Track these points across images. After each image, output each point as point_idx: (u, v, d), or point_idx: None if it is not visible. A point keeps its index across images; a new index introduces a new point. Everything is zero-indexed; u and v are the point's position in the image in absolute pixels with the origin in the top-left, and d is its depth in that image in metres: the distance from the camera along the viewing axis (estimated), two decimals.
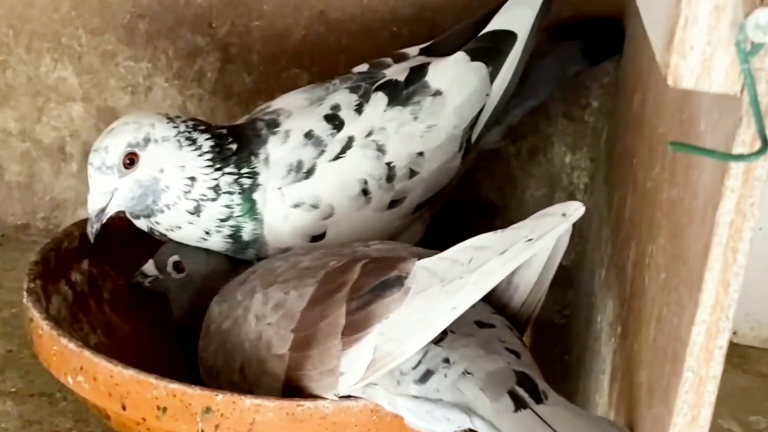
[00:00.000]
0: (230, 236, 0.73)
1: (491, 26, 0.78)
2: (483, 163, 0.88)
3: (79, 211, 0.97)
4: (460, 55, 0.77)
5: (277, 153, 0.73)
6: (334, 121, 0.74)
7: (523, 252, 0.59)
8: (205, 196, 0.71)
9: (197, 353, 0.72)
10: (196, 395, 0.61)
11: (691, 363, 0.42)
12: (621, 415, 0.58)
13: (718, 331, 0.41)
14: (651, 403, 0.48)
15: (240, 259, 0.75)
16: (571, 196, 0.93)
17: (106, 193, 0.70)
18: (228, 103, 0.94)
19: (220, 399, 0.61)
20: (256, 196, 0.72)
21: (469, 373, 0.58)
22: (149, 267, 0.76)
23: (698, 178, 0.45)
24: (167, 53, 0.93)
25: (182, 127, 0.71)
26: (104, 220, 0.71)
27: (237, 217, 0.72)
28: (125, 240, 0.80)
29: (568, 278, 0.93)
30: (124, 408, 0.63)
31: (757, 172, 0.39)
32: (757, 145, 0.38)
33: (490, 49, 0.77)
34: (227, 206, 0.72)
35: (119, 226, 0.81)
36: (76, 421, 0.75)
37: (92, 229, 0.71)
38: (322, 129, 0.74)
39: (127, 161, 0.70)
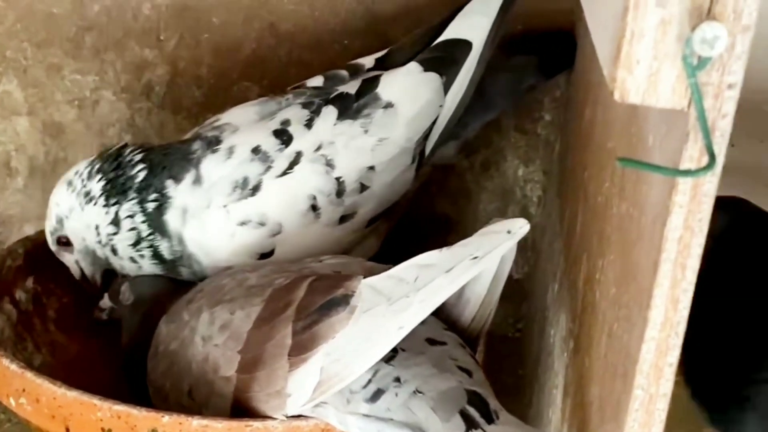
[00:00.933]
0: (153, 257, 0.74)
1: (445, 35, 0.77)
2: (437, 177, 0.87)
3: (25, 227, 0.96)
4: (413, 66, 0.76)
5: (219, 171, 0.72)
6: (283, 136, 0.73)
7: (469, 270, 0.58)
8: (110, 233, 0.74)
9: (146, 376, 0.71)
10: (141, 417, 0.60)
11: (641, 380, 0.42)
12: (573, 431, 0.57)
13: (668, 348, 0.41)
14: (602, 420, 0.48)
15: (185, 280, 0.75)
16: (525, 210, 0.92)
17: (75, 267, 0.77)
18: (177, 117, 0.92)
19: (167, 420, 0.60)
20: (166, 217, 0.72)
21: (420, 393, 0.57)
22: (105, 300, 0.76)
23: (647, 193, 0.44)
24: (115, 66, 0.91)
25: (78, 186, 0.74)
26: (96, 281, 0.77)
27: (147, 237, 0.73)
28: None
29: (522, 292, 0.93)
30: (68, 430, 0.62)
31: (705, 188, 0.39)
32: (705, 160, 0.38)
33: (444, 59, 0.76)
34: (132, 229, 0.73)
35: None
36: None
37: (90, 289, 0.78)
38: (270, 144, 0.73)
39: (62, 241, 0.75)
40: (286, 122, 0.74)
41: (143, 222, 0.73)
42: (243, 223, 0.72)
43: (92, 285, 0.77)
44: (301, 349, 0.60)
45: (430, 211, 0.93)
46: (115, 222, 0.73)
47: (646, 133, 0.45)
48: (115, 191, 0.73)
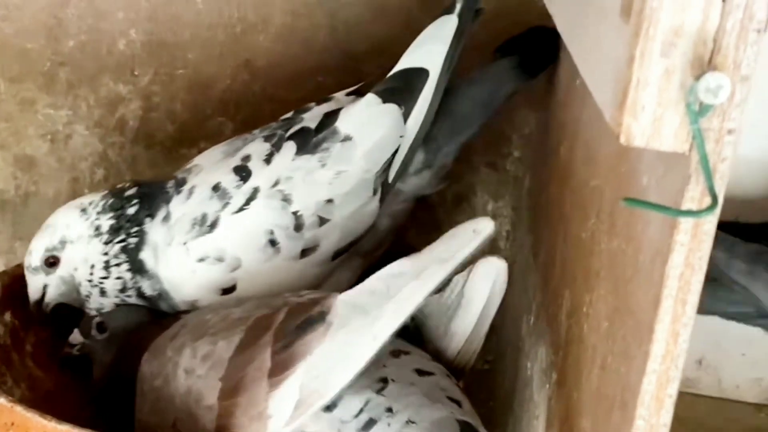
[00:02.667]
0: (138, 297, 0.76)
1: (402, 64, 0.77)
2: (407, 215, 0.89)
3: None
4: (371, 98, 0.76)
5: (180, 209, 0.74)
6: (242, 172, 0.75)
7: (438, 272, 0.60)
8: (102, 277, 0.75)
9: (119, 411, 0.71)
10: None
11: (642, 411, 0.43)
12: None
13: (668, 380, 0.43)
14: None
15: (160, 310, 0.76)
16: (494, 243, 0.94)
17: (39, 289, 0.77)
18: (150, 151, 0.93)
19: None
20: (142, 255, 0.75)
21: (413, 422, 0.58)
22: (75, 336, 0.77)
23: (643, 230, 0.46)
24: (88, 101, 0.92)
25: (92, 216, 0.75)
26: (47, 310, 0.77)
27: (131, 281, 0.75)
28: None
29: (491, 324, 0.94)
30: None
31: (705, 227, 0.41)
32: (707, 201, 0.40)
33: (402, 89, 0.76)
34: (119, 278, 0.75)
35: None
36: None
37: (36, 314, 0.78)
38: (229, 181, 0.75)
39: (50, 261, 0.76)
40: (246, 158, 0.76)
41: (128, 270, 0.75)
42: (202, 260, 0.74)
43: (41, 312, 0.77)
44: (280, 368, 0.61)
45: (402, 244, 0.95)
46: (106, 267, 0.75)
47: (640, 174, 0.47)
48: (114, 229, 0.75)
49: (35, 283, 0.76)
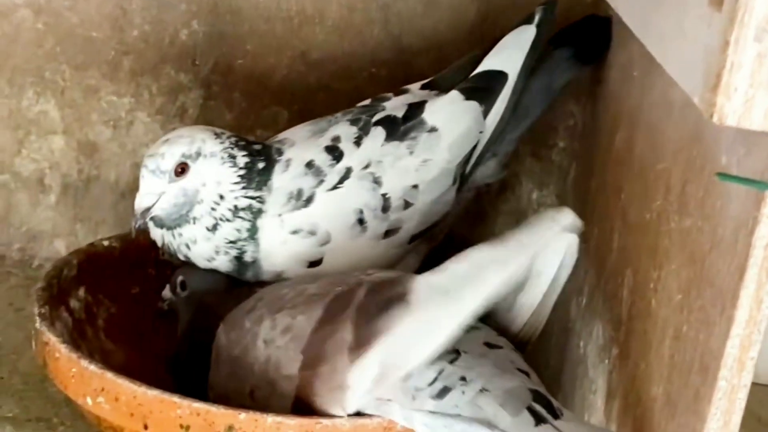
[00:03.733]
0: (235, 258, 0.77)
1: (484, 66, 0.82)
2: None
3: (56, 243, 0.99)
4: (455, 94, 0.81)
5: (279, 181, 0.77)
6: (334, 152, 0.78)
7: (520, 259, 0.63)
8: (224, 216, 0.76)
9: (194, 371, 0.75)
10: (219, 414, 0.64)
11: (724, 373, 0.47)
12: (626, 429, 0.62)
13: (751, 343, 0.46)
14: (673, 414, 0.53)
15: (237, 279, 0.79)
16: None
17: (154, 194, 0.75)
18: None
19: (243, 417, 0.64)
20: (259, 222, 0.77)
21: (486, 390, 0.61)
22: (166, 291, 0.79)
23: (722, 207, 0.50)
24: (150, 89, 0.96)
25: (227, 143, 0.76)
26: (147, 219, 0.76)
27: (242, 240, 0.77)
28: (117, 271, 0.83)
29: None
30: (146, 427, 0.65)
31: None
32: None
33: (483, 89, 0.81)
34: (237, 230, 0.76)
35: (111, 257, 0.84)
36: None
37: (135, 225, 0.76)
38: (323, 159, 0.78)
39: (179, 169, 0.75)
40: (336, 139, 0.79)
41: (247, 229, 0.76)
42: (295, 232, 0.77)
43: (142, 225, 0.76)
44: (361, 343, 0.64)
45: (448, 233, 0.98)
46: (234, 210, 0.76)
47: (718, 155, 0.51)
48: (248, 177, 0.76)
49: (152, 187, 0.75)
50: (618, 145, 0.75)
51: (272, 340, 0.69)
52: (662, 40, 0.54)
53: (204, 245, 0.77)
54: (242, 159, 0.76)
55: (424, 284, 0.64)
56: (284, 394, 0.67)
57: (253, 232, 0.77)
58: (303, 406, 0.66)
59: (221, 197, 0.76)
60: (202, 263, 0.78)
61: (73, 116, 0.96)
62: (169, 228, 0.77)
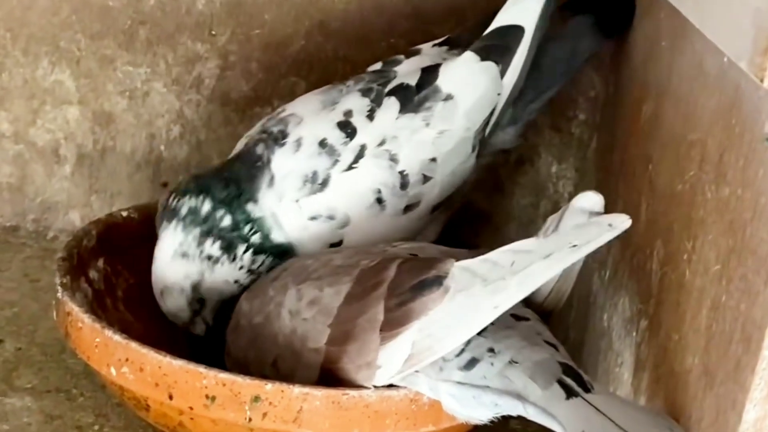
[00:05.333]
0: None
1: (498, 22, 0.79)
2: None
3: (71, 214, 0.99)
4: (470, 55, 0.78)
5: (287, 165, 0.75)
6: (347, 128, 0.76)
7: (567, 257, 0.61)
8: (250, 279, 0.76)
9: (213, 344, 0.74)
10: (245, 384, 0.64)
11: None
12: (657, 401, 0.62)
13: None
14: (711, 385, 0.52)
15: None
16: (556, 204, 0.97)
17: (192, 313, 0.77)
18: (225, 109, 0.96)
19: (270, 388, 0.63)
20: (273, 236, 0.75)
21: (515, 362, 0.61)
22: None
23: (764, 175, 0.49)
24: (166, 59, 0.95)
25: (196, 254, 0.74)
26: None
27: (273, 263, 0.76)
28: (136, 242, 0.82)
29: None
30: (171, 397, 0.65)
31: None
32: None
33: (499, 47, 0.78)
34: (262, 265, 0.76)
35: (130, 227, 0.83)
36: (96, 416, 0.76)
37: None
38: (336, 137, 0.76)
39: (197, 307, 0.76)
40: (348, 113, 0.77)
41: (269, 257, 0.75)
42: (314, 218, 0.75)
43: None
44: (393, 324, 0.64)
45: (465, 205, 0.97)
46: (251, 272, 0.75)
47: (759, 122, 0.50)
48: (227, 248, 0.74)
49: (197, 329, 0.78)
50: (645, 116, 0.74)
51: (298, 311, 0.68)
52: (702, 4, 0.53)
53: None
54: (215, 248, 0.74)
55: (460, 270, 0.63)
56: (310, 366, 0.67)
57: (277, 252, 0.75)
58: (329, 379, 0.66)
59: (236, 282, 0.76)
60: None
61: (88, 86, 0.96)
62: None
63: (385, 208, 0.76)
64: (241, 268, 0.75)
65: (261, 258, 0.75)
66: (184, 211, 0.75)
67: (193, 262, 0.74)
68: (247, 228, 0.75)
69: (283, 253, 0.75)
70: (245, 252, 0.75)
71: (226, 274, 0.75)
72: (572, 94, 0.95)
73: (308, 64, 0.95)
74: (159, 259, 0.76)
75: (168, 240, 0.75)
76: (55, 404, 0.76)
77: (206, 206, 0.74)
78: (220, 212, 0.74)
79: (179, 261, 0.75)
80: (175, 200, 0.75)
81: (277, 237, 0.75)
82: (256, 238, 0.75)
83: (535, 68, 0.80)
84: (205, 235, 0.74)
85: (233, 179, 0.75)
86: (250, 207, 0.75)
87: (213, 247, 0.74)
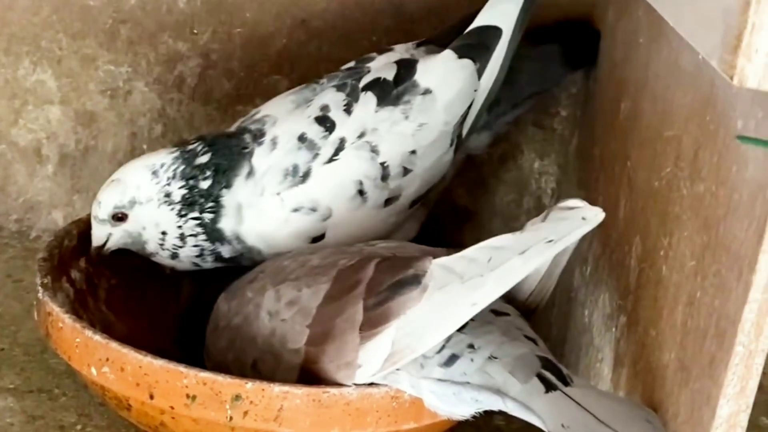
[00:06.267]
0: (215, 260, 0.77)
1: (477, 22, 0.81)
2: (461, 168, 0.92)
3: (53, 214, 0.99)
4: (448, 53, 0.80)
5: (266, 161, 0.76)
6: (325, 123, 0.77)
7: (543, 253, 0.62)
8: (176, 245, 0.76)
9: (195, 345, 0.74)
10: (226, 383, 0.64)
11: (742, 338, 0.46)
12: (635, 396, 0.62)
13: None
14: (687, 380, 0.52)
15: None
16: (539, 201, 0.97)
17: (102, 236, 0.78)
18: (207, 108, 0.96)
19: (250, 387, 0.64)
20: (221, 224, 0.76)
21: (495, 358, 0.61)
22: None
23: (738, 171, 0.49)
24: (148, 58, 0.95)
25: (163, 180, 0.75)
26: (106, 254, 0.78)
27: (209, 249, 0.77)
28: None
29: None
30: (152, 397, 0.65)
31: None
32: None
33: (477, 46, 0.80)
34: (195, 246, 0.76)
35: None
36: (79, 415, 0.76)
37: (95, 254, 0.79)
38: (314, 131, 0.76)
39: (117, 216, 0.76)
40: (325, 108, 0.77)
41: (205, 240, 0.76)
42: (296, 210, 0.76)
43: (102, 256, 0.78)
44: (372, 323, 0.64)
45: (449, 202, 0.98)
46: (181, 237, 0.76)
47: (733, 119, 0.50)
48: (188, 202, 0.75)
49: (99, 232, 0.77)
50: (623, 113, 0.75)
51: (277, 312, 0.68)
52: (676, 2, 0.53)
53: (183, 266, 0.78)
54: (179, 193, 0.75)
55: (438, 268, 0.64)
56: (290, 367, 0.67)
57: (214, 237, 0.76)
58: (309, 380, 0.66)
59: (164, 233, 0.76)
60: (193, 269, 0.78)
61: (70, 86, 0.95)
62: (147, 256, 0.78)
63: (366, 201, 0.77)
64: (179, 227, 0.75)
65: (199, 233, 0.76)
66: (189, 148, 0.76)
67: (154, 186, 0.75)
68: (209, 204, 0.75)
69: (218, 239, 0.76)
70: (194, 219, 0.75)
71: (164, 219, 0.75)
72: (554, 91, 0.95)
73: (290, 62, 0.95)
74: (137, 158, 0.77)
75: (159, 155, 0.76)
76: (38, 404, 0.76)
77: (203, 159, 0.76)
78: (207, 172, 0.75)
79: (146, 173, 0.76)
80: (193, 140, 0.77)
81: (224, 225, 0.76)
82: (208, 218, 0.76)
83: (510, 84, 0.82)
84: (183, 178, 0.75)
85: (229, 152, 0.76)
86: (224, 192, 0.76)
87: (177, 192, 0.75)
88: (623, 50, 0.78)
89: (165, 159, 0.76)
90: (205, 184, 0.75)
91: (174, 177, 0.75)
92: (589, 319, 0.76)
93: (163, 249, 0.76)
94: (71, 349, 0.68)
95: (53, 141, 0.97)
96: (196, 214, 0.75)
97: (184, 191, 0.75)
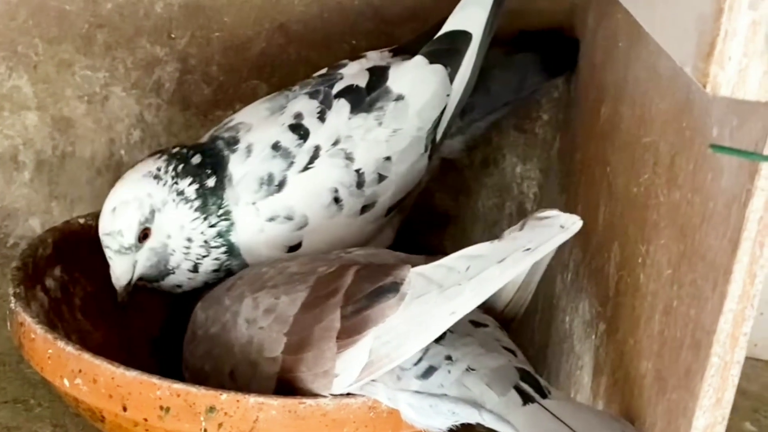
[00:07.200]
0: (227, 274, 0.76)
1: (446, 27, 0.81)
2: (437, 173, 0.91)
3: (30, 221, 0.97)
4: (419, 59, 0.80)
5: (241, 169, 0.75)
6: (299, 130, 0.76)
7: (521, 261, 0.61)
8: (200, 254, 0.75)
9: (173, 357, 0.73)
10: (200, 395, 0.63)
11: (717, 349, 0.46)
12: (614, 405, 0.61)
13: (744, 318, 0.45)
14: (664, 390, 0.52)
15: None
16: (521, 205, 0.97)
17: (129, 270, 0.75)
18: (186, 113, 0.95)
19: (225, 398, 0.63)
20: (232, 238, 0.75)
21: (472, 370, 0.60)
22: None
23: (713, 179, 0.49)
24: (125, 63, 0.94)
25: (169, 180, 0.74)
26: (130, 289, 0.76)
27: (225, 263, 0.76)
28: (93, 249, 0.81)
29: None
30: (125, 409, 0.64)
31: None
32: None
33: (447, 51, 0.80)
34: (216, 258, 0.75)
35: (88, 235, 0.82)
36: (54, 426, 0.75)
37: (120, 301, 0.76)
38: (288, 139, 0.76)
39: (142, 236, 0.74)
40: (298, 116, 0.77)
41: (224, 253, 0.75)
42: (272, 219, 0.75)
43: (122, 294, 0.76)
44: (350, 332, 0.63)
45: (430, 207, 0.97)
46: (206, 245, 0.75)
47: (708, 126, 0.50)
48: (203, 202, 0.74)
49: (124, 265, 0.74)
50: (603, 117, 0.74)
51: (254, 320, 0.67)
52: (651, 8, 0.52)
53: (191, 283, 0.76)
54: (191, 189, 0.74)
55: (416, 276, 0.63)
56: (267, 376, 0.66)
57: (230, 251, 0.75)
58: (286, 388, 0.65)
59: (189, 240, 0.74)
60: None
61: (46, 91, 0.94)
62: (154, 281, 0.76)
63: (342, 208, 0.76)
64: (202, 233, 0.74)
65: (220, 245, 0.75)
66: (174, 152, 0.75)
67: (163, 188, 0.73)
68: (221, 211, 0.74)
69: (232, 254, 0.75)
70: (213, 228, 0.74)
71: (186, 219, 0.74)
72: (536, 95, 0.94)
73: (269, 66, 0.94)
74: (126, 177, 0.75)
75: (147, 163, 0.74)
76: (13, 415, 0.76)
77: (196, 159, 0.75)
78: (208, 170, 0.74)
79: (149, 180, 0.74)
80: (172, 147, 0.76)
81: (236, 244, 0.75)
82: (224, 226, 0.75)
83: (484, 91, 0.82)
84: (187, 175, 0.74)
85: (211, 154, 0.76)
86: (228, 196, 0.75)
87: (189, 188, 0.74)
88: (603, 54, 0.77)
89: (158, 164, 0.74)
90: (210, 182, 0.74)
91: (178, 175, 0.74)
92: (569, 326, 0.76)
93: (187, 259, 0.75)
94: (44, 361, 0.67)
95: (30, 147, 0.96)
96: (215, 220, 0.74)
97: (195, 186, 0.74)
